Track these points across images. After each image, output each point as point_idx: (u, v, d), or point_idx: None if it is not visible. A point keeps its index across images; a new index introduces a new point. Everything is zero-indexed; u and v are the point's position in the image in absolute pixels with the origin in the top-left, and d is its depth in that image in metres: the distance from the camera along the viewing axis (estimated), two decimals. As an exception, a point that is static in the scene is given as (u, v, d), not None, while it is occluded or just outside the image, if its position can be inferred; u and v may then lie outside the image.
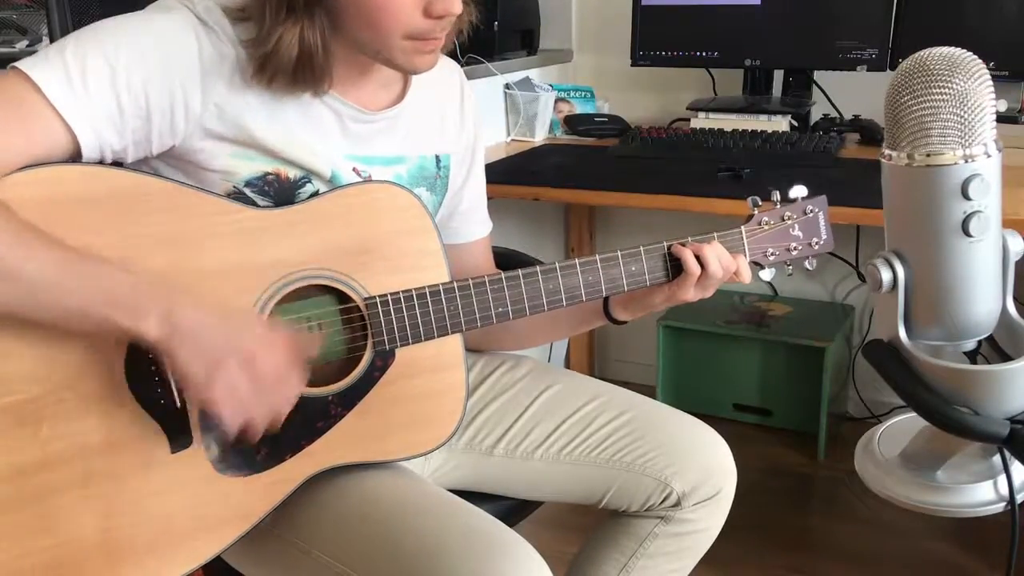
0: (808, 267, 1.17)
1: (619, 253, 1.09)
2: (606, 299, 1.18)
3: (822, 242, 1.15)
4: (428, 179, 1.14)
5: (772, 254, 1.14)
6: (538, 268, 1.06)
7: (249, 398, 0.89)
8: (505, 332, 1.11)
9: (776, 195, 1.14)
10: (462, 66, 1.24)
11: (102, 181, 0.90)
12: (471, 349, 1.26)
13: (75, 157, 0.90)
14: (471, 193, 1.24)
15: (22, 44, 1.55)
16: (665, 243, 1.10)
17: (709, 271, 1.08)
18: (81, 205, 0.88)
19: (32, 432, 0.87)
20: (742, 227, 1.13)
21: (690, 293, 1.10)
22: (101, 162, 0.92)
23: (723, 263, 1.09)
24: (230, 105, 0.96)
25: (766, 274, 1.14)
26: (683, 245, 1.10)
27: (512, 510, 1.24)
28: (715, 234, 1.12)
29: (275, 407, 0.92)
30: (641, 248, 1.09)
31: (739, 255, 1.11)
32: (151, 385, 0.91)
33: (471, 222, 1.25)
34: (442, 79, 1.16)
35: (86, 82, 0.88)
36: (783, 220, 1.14)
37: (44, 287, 0.83)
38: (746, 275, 1.11)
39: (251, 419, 0.90)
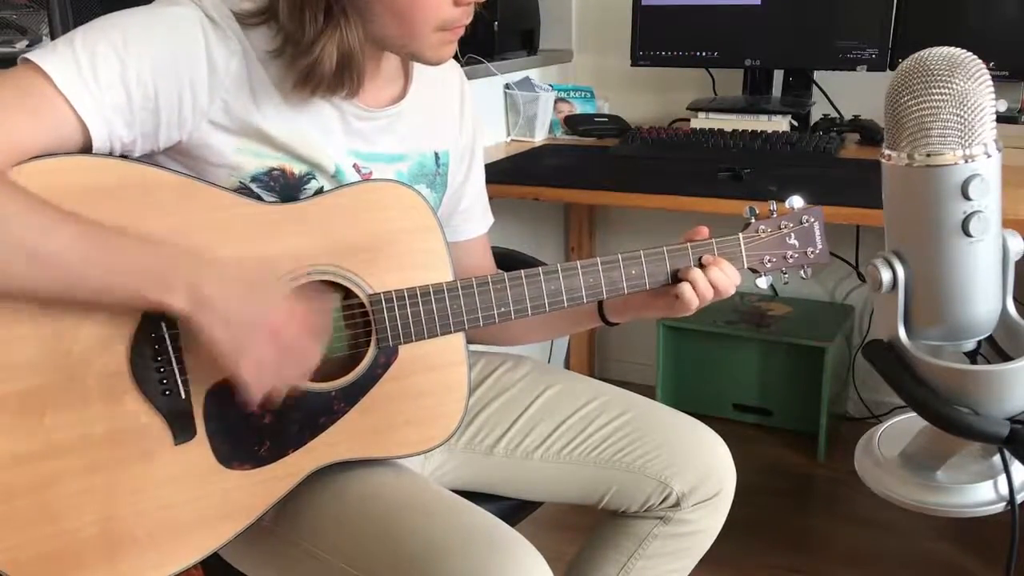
0: (803, 276, 1.17)
1: (619, 256, 1.09)
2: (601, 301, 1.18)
3: (818, 252, 1.16)
4: (428, 176, 1.14)
5: (769, 262, 1.14)
6: (540, 269, 1.07)
7: (274, 370, 0.90)
8: (500, 330, 1.11)
9: (773, 205, 1.15)
10: (462, 66, 1.24)
11: (111, 172, 0.90)
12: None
13: (85, 148, 0.89)
14: (471, 191, 1.24)
15: (22, 44, 1.55)
16: (665, 248, 1.11)
17: (699, 297, 1.10)
18: (89, 195, 0.88)
19: (35, 421, 0.87)
20: (740, 235, 1.13)
21: (679, 314, 1.13)
22: (110, 154, 0.91)
23: (719, 286, 1.10)
24: (237, 99, 0.96)
25: (763, 281, 1.15)
26: (684, 253, 1.11)
27: (512, 510, 1.24)
28: (714, 241, 1.12)
29: (293, 379, 0.92)
30: (641, 252, 1.10)
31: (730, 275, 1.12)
32: (155, 375, 0.91)
33: (470, 220, 1.25)
34: (442, 76, 1.16)
35: (96, 73, 0.88)
36: (780, 228, 1.14)
37: (67, 263, 0.83)
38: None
39: (274, 389, 0.91)
